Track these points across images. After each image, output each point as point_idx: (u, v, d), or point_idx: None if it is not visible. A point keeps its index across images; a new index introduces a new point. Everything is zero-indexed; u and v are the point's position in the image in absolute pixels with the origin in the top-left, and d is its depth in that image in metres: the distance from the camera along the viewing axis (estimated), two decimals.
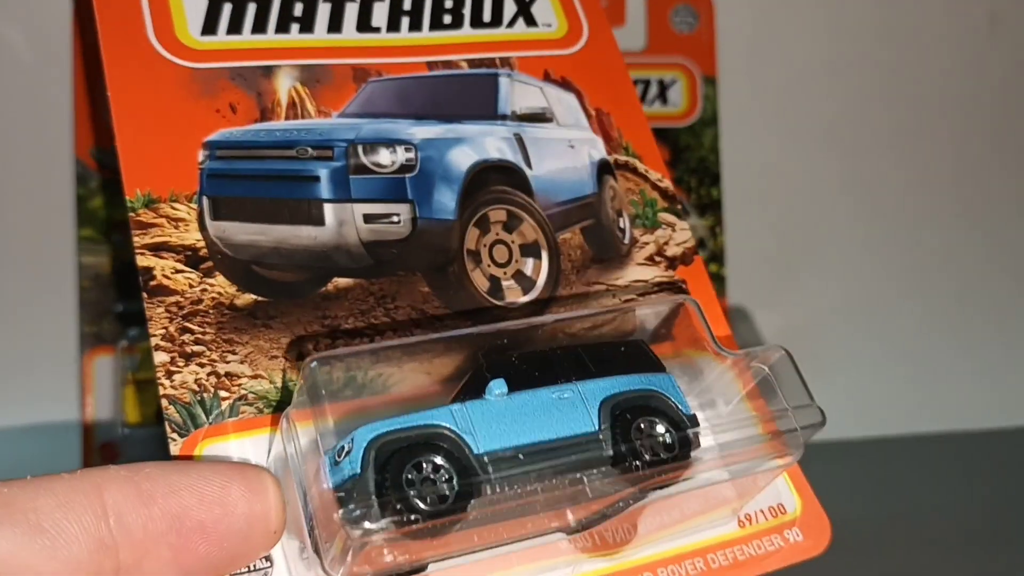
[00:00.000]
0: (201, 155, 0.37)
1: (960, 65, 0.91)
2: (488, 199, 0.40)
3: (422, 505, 0.28)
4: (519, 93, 0.43)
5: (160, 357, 0.33)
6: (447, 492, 0.28)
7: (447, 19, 0.44)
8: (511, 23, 0.45)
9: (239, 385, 0.34)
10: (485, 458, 0.29)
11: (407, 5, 0.43)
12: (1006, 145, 0.92)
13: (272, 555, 0.31)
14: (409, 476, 0.28)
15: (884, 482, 0.78)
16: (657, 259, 0.42)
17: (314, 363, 0.30)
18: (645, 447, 0.31)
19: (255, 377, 0.34)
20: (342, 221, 0.37)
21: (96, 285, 0.71)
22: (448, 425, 0.30)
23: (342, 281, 0.37)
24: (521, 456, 0.29)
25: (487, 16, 0.44)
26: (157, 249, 0.35)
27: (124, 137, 0.36)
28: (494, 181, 0.40)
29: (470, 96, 0.42)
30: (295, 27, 0.41)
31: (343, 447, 0.29)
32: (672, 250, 0.42)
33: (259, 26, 0.40)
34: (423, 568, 0.30)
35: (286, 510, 0.30)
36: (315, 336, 0.35)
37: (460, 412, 0.30)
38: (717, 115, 0.83)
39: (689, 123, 0.82)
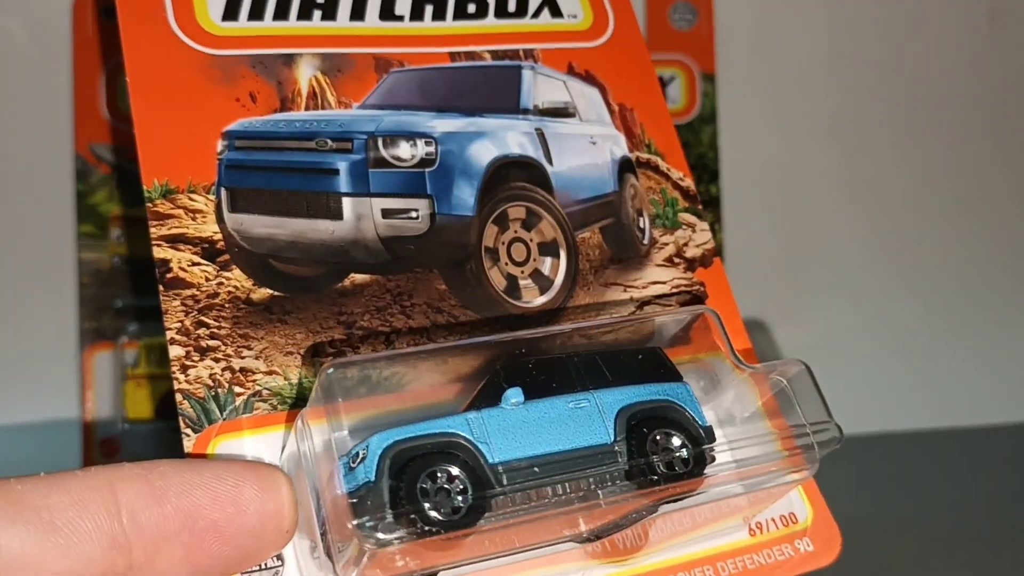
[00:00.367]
0: (220, 145, 0.37)
1: (960, 62, 0.90)
2: (507, 195, 0.40)
3: (436, 515, 0.28)
4: (542, 86, 0.42)
5: (175, 351, 0.33)
6: (461, 504, 0.28)
7: (471, 8, 0.43)
8: (536, 14, 0.44)
9: (254, 381, 0.34)
10: (500, 468, 0.29)
11: None
12: (1006, 142, 0.91)
13: (283, 553, 0.31)
14: (424, 486, 0.28)
15: (885, 479, 0.78)
16: (676, 260, 0.41)
17: (331, 369, 0.29)
18: (661, 461, 0.30)
19: (270, 373, 0.34)
20: (360, 215, 0.37)
21: (96, 281, 0.72)
22: (463, 434, 0.30)
23: (359, 277, 0.37)
24: (536, 469, 0.29)
25: (512, 6, 0.44)
26: (174, 241, 0.35)
27: (142, 124, 0.36)
28: (514, 177, 0.40)
29: (492, 89, 0.42)
30: (317, 14, 0.40)
31: (358, 453, 0.29)
32: (692, 251, 0.42)
33: (281, 12, 0.40)
34: (434, 574, 0.30)
35: (298, 510, 0.30)
36: (333, 342, 0.35)
37: (476, 420, 0.30)
38: (716, 112, 0.83)
39: (688, 120, 0.82)
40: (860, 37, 0.88)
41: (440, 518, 0.28)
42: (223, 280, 0.35)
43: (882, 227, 0.89)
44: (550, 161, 0.41)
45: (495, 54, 0.43)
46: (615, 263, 0.41)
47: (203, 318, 0.34)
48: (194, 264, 0.35)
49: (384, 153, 0.38)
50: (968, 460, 0.84)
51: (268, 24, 0.39)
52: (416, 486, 0.28)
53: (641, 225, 0.42)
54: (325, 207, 0.37)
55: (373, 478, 0.28)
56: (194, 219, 0.36)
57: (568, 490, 0.29)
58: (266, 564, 0.31)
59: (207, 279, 0.35)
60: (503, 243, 0.39)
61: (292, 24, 0.40)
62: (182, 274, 0.35)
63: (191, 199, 0.36)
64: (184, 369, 0.33)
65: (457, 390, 0.33)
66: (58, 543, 0.27)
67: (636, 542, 0.34)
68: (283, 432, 0.33)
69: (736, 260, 0.82)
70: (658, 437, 0.31)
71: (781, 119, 0.87)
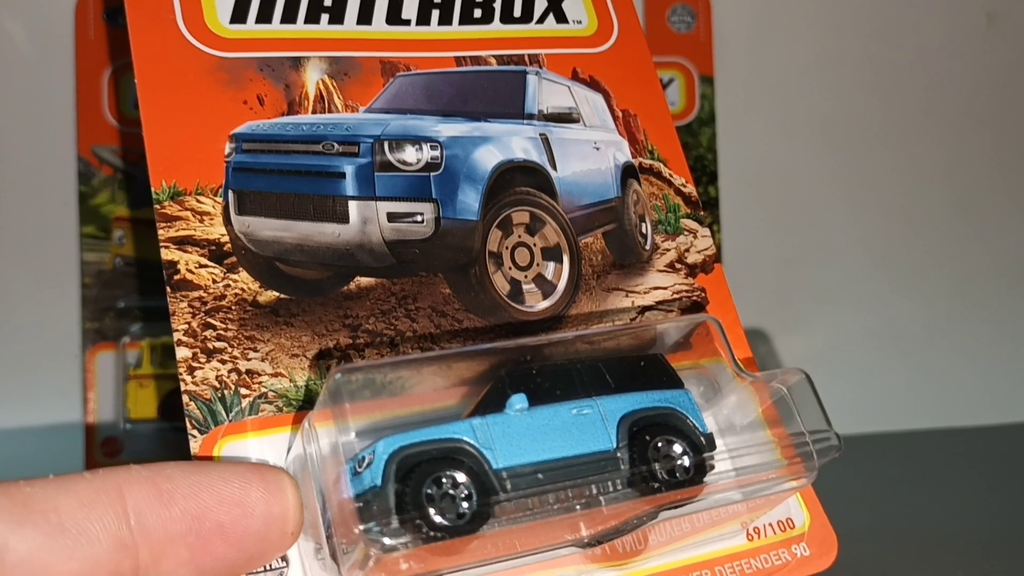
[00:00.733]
0: (228, 147, 0.37)
1: (958, 64, 0.91)
2: (512, 200, 0.40)
3: (441, 521, 0.28)
4: (547, 92, 0.43)
5: (182, 352, 0.34)
6: (466, 510, 0.28)
7: (477, 13, 0.43)
8: (541, 19, 0.44)
9: (259, 383, 0.34)
10: (504, 474, 0.29)
11: None
12: (1004, 143, 0.92)
13: (288, 555, 0.32)
14: (429, 491, 0.28)
15: (882, 482, 0.78)
16: (678, 266, 0.42)
17: (339, 375, 0.30)
18: (662, 468, 0.31)
19: (276, 375, 0.34)
20: (366, 219, 0.37)
21: (98, 282, 0.72)
22: (468, 439, 0.30)
23: (364, 280, 0.37)
24: (540, 475, 0.29)
25: (517, 11, 0.44)
26: (182, 243, 0.35)
27: (151, 126, 0.36)
28: (518, 182, 0.40)
29: (497, 94, 0.42)
30: (325, 18, 0.40)
31: (364, 457, 0.29)
32: (693, 257, 0.42)
33: (289, 15, 0.40)
34: None
35: (304, 512, 0.31)
36: (339, 346, 0.35)
37: (481, 426, 0.30)
38: (714, 114, 0.84)
39: (687, 122, 0.83)
40: (858, 39, 0.89)
41: (445, 523, 0.28)
42: (230, 282, 0.35)
43: (880, 227, 0.89)
44: (554, 166, 0.41)
45: (500, 59, 0.43)
46: (617, 268, 0.41)
47: (210, 320, 0.34)
48: (201, 266, 0.35)
49: (390, 157, 0.38)
50: (966, 463, 0.84)
51: (276, 27, 0.40)
52: (422, 491, 0.28)
53: (643, 231, 0.42)
54: (331, 210, 0.37)
55: (379, 483, 0.28)
56: (201, 221, 0.36)
57: (571, 496, 0.30)
58: (271, 565, 0.32)
59: (214, 281, 0.35)
60: (507, 248, 0.39)
61: (300, 27, 0.40)
62: (189, 276, 0.35)
63: (199, 201, 0.36)
64: (191, 370, 0.33)
65: (462, 395, 0.33)
66: (66, 545, 0.27)
67: (636, 546, 0.35)
68: (288, 434, 0.34)
69: (734, 260, 0.82)
70: (660, 444, 0.32)
71: (779, 121, 0.88)
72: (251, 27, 0.39)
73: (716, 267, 0.42)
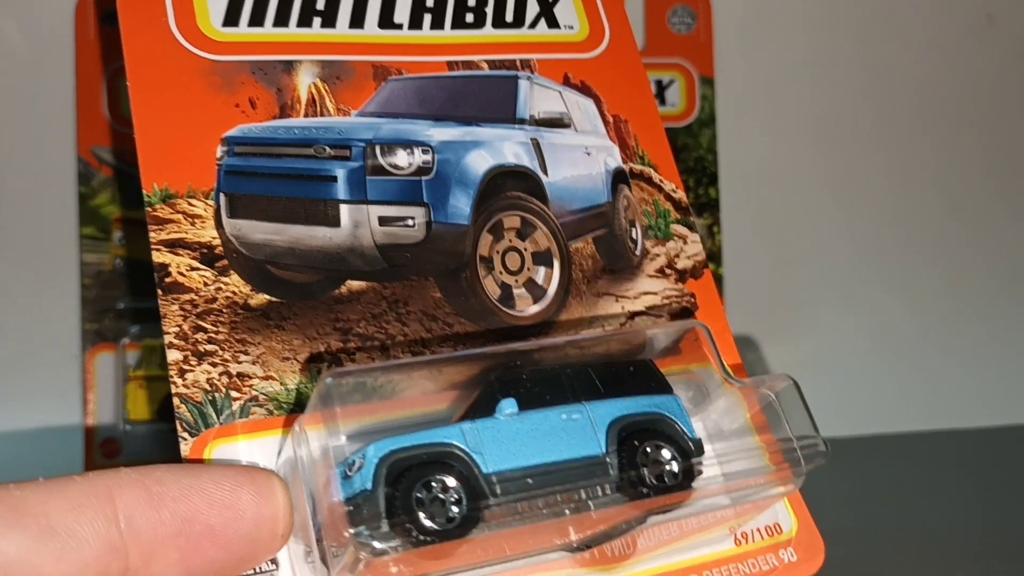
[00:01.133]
0: (219, 151, 0.37)
1: (958, 65, 0.91)
2: (503, 205, 0.40)
3: (431, 525, 0.28)
4: (538, 97, 0.43)
5: (173, 355, 0.34)
6: (455, 514, 0.28)
7: (469, 18, 0.43)
8: (533, 24, 0.44)
9: (250, 386, 0.34)
10: (494, 478, 0.30)
11: (430, 2, 0.43)
12: (1001, 145, 0.92)
13: (278, 557, 0.32)
14: (419, 495, 0.29)
15: (870, 482, 0.78)
16: (667, 271, 0.42)
17: (329, 379, 0.30)
18: (651, 473, 0.31)
19: (267, 378, 0.34)
20: (357, 223, 0.37)
21: (98, 283, 0.72)
22: (458, 444, 0.30)
23: (355, 284, 0.37)
24: (529, 479, 0.30)
25: (509, 16, 0.44)
26: (173, 246, 0.35)
27: (143, 129, 0.36)
28: (510, 187, 0.40)
29: (489, 98, 0.42)
30: (317, 21, 0.41)
31: (354, 461, 0.29)
32: (683, 263, 0.42)
33: (281, 19, 0.40)
34: None
35: (294, 515, 0.31)
36: (330, 351, 0.35)
37: (471, 431, 0.30)
38: (715, 115, 0.84)
39: (687, 123, 0.83)
40: (860, 42, 0.89)
41: (435, 527, 0.28)
42: (221, 285, 0.35)
43: (878, 229, 0.89)
44: (545, 171, 0.41)
45: (492, 64, 0.43)
46: (608, 273, 0.41)
47: (201, 323, 0.34)
48: (193, 269, 0.35)
49: (382, 161, 0.38)
50: (957, 465, 0.84)
51: (268, 30, 0.40)
52: (412, 495, 0.28)
53: (633, 236, 0.42)
54: (323, 214, 0.37)
55: (370, 487, 0.28)
56: (193, 224, 0.36)
57: (560, 500, 0.30)
58: (261, 568, 0.32)
59: (205, 284, 0.35)
60: (498, 252, 0.40)
61: (292, 31, 0.40)
62: (181, 279, 0.35)
63: (190, 204, 0.36)
64: (182, 373, 0.34)
65: (452, 399, 0.34)
66: (55, 548, 0.27)
67: (624, 551, 0.35)
68: (279, 437, 0.34)
69: (734, 261, 0.82)
70: (648, 449, 0.32)
71: (780, 122, 0.87)
72: (243, 30, 0.39)
73: (706, 272, 0.43)
